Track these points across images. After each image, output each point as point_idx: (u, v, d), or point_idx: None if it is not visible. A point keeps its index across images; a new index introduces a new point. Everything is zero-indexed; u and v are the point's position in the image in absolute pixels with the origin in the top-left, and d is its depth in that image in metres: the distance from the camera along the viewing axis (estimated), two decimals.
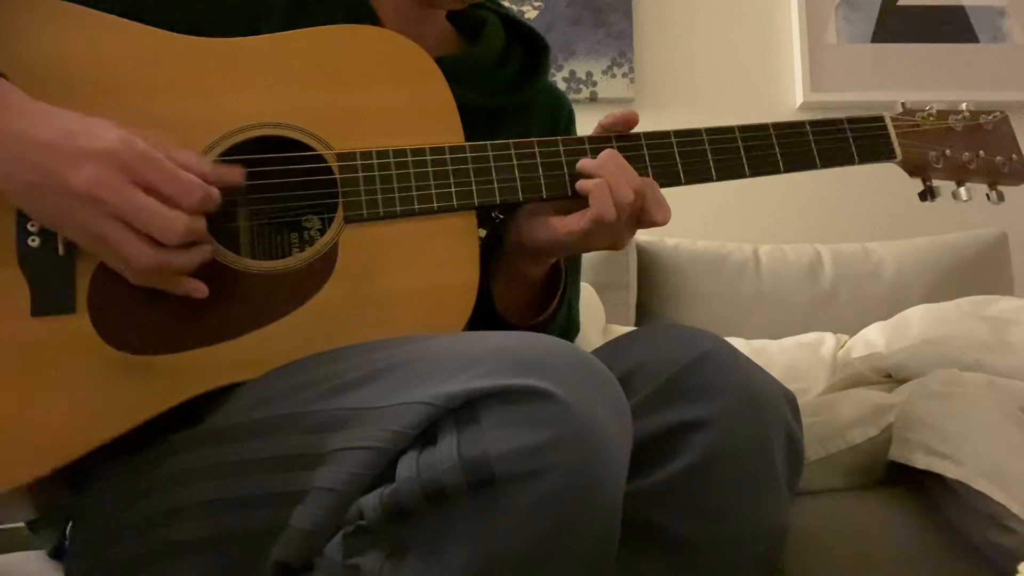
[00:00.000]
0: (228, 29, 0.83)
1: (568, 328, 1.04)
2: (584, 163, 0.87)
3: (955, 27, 2.31)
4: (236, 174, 0.78)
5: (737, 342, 1.59)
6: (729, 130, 0.92)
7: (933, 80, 2.28)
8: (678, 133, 0.90)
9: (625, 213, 0.85)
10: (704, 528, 0.77)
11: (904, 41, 2.29)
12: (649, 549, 0.77)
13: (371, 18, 0.93)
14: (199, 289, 0.75)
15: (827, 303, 1.91)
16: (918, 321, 1.51)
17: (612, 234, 0.87)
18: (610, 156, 0.87)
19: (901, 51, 2.29)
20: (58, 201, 0.71)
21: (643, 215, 0.87)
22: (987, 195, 0.99)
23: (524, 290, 0.96)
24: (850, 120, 0.95)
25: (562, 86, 2.16)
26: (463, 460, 0.61)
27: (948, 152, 0.97)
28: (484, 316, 0.91)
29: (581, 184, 0.86)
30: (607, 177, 0.85)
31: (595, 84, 2.19)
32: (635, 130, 0.90)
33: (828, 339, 1.67)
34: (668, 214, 0.87)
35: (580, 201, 0.87)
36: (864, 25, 2.29)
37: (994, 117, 0.99)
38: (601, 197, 0.84)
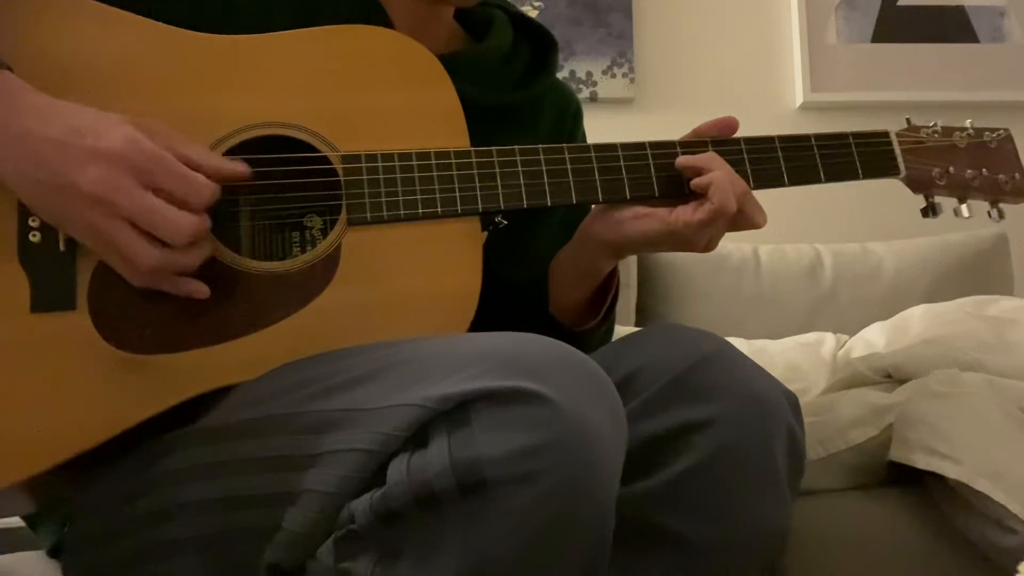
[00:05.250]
0: (236, 27, 0.83)
1: (608, 333, 1.04)
2: (690, 159, 0.88)
3: (955, 27, 2.31)
4: (242, 168, 0.77)
5: (737, 342, 1.59)
6: (735, 142, 0.91)
7: (933, 80, 2.28)
8: (683, 144, 0.90)
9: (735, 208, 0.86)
10: (706, 529, 0.76)
11: (904, 41, 2.29)
12: (651, 550, 0.77)
13: (381, 15, 0.92)
14: (200, 290, 0.75)
15: (827, 303, 1.91)
16: (918, 321, 1.51)
17: (714, 230, 0.87)
18: (714, 155, 0.88)
19: (901, 51, 2.29)
20: (64, 200, 0.71)
21: (742, 218, 0.88)
22: (988, 212, 0.99)
23: (591, 287, 0.97)
24: (855, 135, 0.95)
25: None
26: (454, 463, 0.60)
27: (951, 169, 0.97)
28: (535, 318, 0.93)
29: (698, 181, 0.86)
30: (723, 170, 0.86)
31: (595, 84, 2.19)
32: (639, 139, 0.90)
33: (828, 339, 1.67)
34: (766, 217, 0.89)
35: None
36: (864, 25, 2.29)
37: (998, 135, 0.99)
38: (722, 189, 0.85)
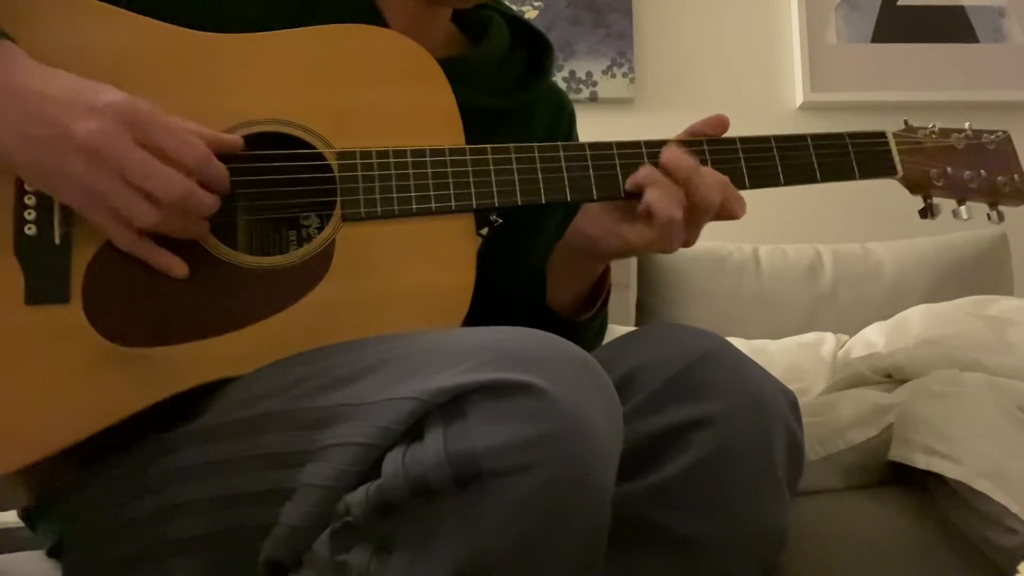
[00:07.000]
0: (234, 25, 0.83)
1: (603, 329, 1.04)
2: (631, 178, 0.87)
3: (955, 27, 2.31)
4: (232, 140, 0.78)
5: (737, 342, 1.59)
6: (731, 142, 0.91)
7: (933, 80, 2.28)
8: (678, 142, 0.90)
9: (683, 215, 0.85)
10: (704, 528, 0.76)
11: (904, 41, 2.30)
12: (649, 548, 0.77)
13: (377, 18, 0.93)
14: (177, 266, 0.76)
15: (827, 303, 1.91)
16: (918, 321, 1.51)
17: (683, 233, 0.87)
18: (649, 170, 0.87)
19: (901, 51, 2.29)
20: (58, 154, 0.71)
21: (722, 209, 0.87)
22: (987, 215, 0.98)
23: (587, 283, 0.97)
24: (852, 135, 0.94)
25: (562, 86, 2.15)
26: (449, 455, 0.60)
27: (949, 170, 0.96)
28: (533, 312, 0.94)
29: (641, 207, 0.86)
30: (658, 186, 0.85)
31: (595, 84, 2.19)
32: (632, 138, 0.90)
33: (828, 339, 1.67)
34: (745, 206, 0.88)
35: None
36: (864, 25, 2.29)
37: (996, 136, 0.98)
38: (662, 207, 0.84)
